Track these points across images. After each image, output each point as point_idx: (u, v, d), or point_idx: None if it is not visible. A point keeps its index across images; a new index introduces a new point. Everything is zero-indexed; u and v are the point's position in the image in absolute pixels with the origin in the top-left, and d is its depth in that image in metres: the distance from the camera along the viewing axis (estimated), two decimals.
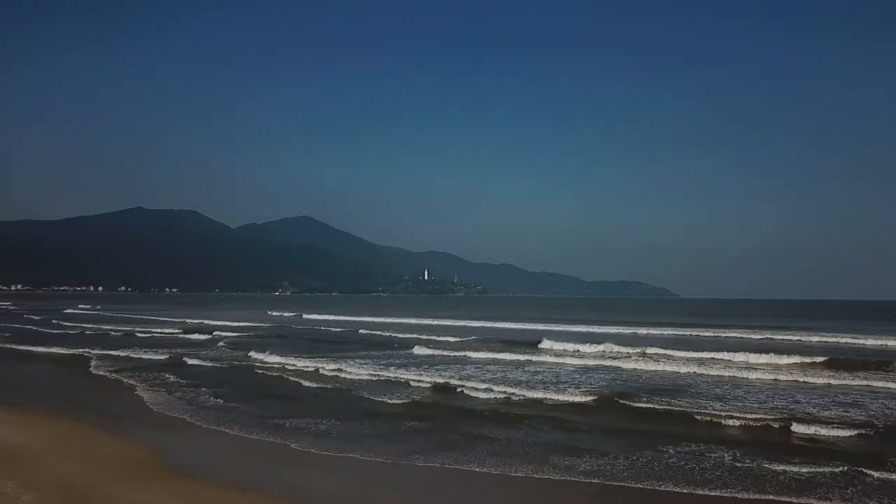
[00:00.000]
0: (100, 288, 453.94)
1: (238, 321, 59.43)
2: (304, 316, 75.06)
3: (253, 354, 29.69)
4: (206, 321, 59.41)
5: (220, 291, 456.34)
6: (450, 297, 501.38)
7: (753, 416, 16.51)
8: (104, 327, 50.52)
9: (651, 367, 26.40)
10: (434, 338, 40.33)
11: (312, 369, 25.23)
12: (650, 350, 31.66)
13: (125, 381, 23.36)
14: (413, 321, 65.53)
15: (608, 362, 28.00)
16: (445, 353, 31.84)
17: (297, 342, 38.73)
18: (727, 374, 24.43)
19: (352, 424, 15.94)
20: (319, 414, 17.09)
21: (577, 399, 19.02)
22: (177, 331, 46.63)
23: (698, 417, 16.39)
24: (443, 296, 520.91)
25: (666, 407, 17.76)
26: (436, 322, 64.40)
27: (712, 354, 29.38)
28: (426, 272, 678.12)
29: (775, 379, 23.40)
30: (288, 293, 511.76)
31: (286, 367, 26.39)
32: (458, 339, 38.81)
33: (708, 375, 24.28)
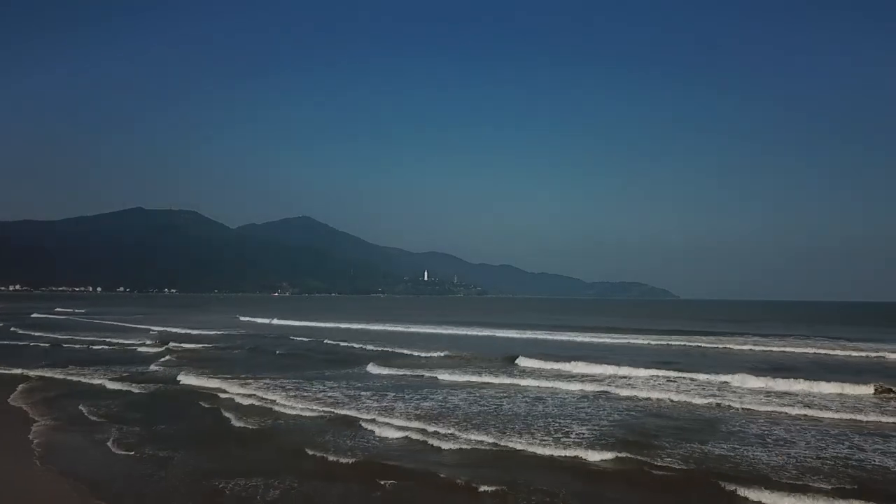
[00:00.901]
0: (98, 288, 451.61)
1: (205, 328, 54.98)
2: (275, 322, 70.86)
3: (186, 378, 25.14)
4: (171, 328, 54.87)
5: (219, 292, 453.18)
6: (449, 297, 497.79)
7: (821, 482, 12.19)
8: (62, 337, 46.11)
9: (662, 395, 21.94)
10: (405, 352, 35.97)
11: (249, 400, 20.60)
12: (655, 372, 27.10)
13: (34, 416, 19.16)
14: (391, 328, 61.29)
15: (606, 387, 23.33)
16: (412, 373, 27.28)
17: (250, 357, 33.82)
18: (760, 407, 19.96)
19: None
20: (241, 474, 12.89)
21: (589, 456, 14.23)
22: (137, 341, 42.28)
23: (753, 486, 11.89)
24: (442, 297, 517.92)
25: (702, 466, 13.39)
26: (415, 329, 60.11)
27: (731, 378, 24.92)
28: (426, 273, 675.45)
29: (816, 416, 19.05)
30: (287, 294, 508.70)
31: (221, 394, 21.94)
32: (430, 355, 34.18)
33: (736, 410, 19.95)
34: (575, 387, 23.88)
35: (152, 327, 56.18)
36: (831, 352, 38.49)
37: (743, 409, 19.89)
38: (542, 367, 28.98)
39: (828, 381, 23.87)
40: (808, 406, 20.17)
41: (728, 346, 42.55)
